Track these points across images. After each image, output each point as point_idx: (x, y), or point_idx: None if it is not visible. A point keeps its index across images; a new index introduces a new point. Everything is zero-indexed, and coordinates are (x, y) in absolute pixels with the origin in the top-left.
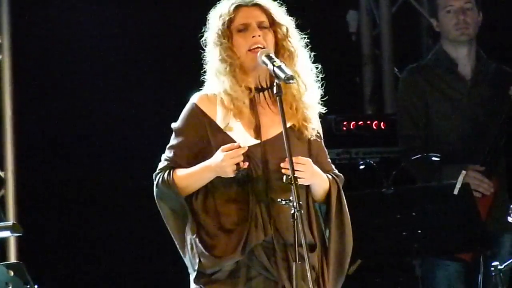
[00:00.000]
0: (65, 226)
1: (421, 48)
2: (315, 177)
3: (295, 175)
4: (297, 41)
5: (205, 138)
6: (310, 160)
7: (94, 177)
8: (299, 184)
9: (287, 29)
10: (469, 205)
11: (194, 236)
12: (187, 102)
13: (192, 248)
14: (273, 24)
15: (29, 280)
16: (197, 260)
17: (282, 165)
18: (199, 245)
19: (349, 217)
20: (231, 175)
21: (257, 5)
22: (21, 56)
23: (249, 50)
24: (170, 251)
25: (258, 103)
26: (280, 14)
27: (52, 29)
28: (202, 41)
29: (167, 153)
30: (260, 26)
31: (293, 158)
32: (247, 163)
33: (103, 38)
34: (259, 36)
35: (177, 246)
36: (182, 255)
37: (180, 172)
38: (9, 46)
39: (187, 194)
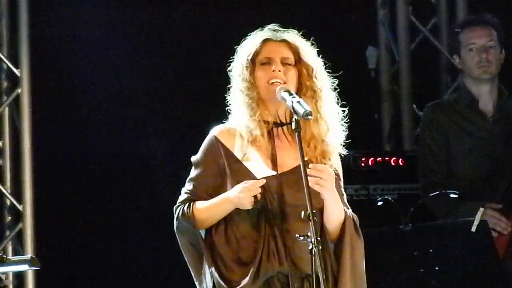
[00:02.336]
0: (84, 259)
1: (440, 85)
2: (334, 193)
3: (319, 183)
4: (323, 83)
5: (224, 169)
6: (327, 167)
7: (113, 210)
8: (316, 220)
9: (312, 69)
10: (487, 243)
11: (211, 269)
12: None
13: (209, 279)
14: (299, 62)
15: None
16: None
17: (309, 172)
18: (216, 276)
19: (363, 256)
20: (249, 207)
21: (285, 41)
22: (40, 89)
23: (268, 84)
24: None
25: (276, 136)
26: (308, 53)
27: (72, 62)
28: (229, 68)
29: (187, 186)
30: (284, 62)
31: (312, 165)
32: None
33: (125, 71)
34: (279, 71)
35: (194, 278)
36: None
37: (199, 205)
38: (28, 79)
39: (207, 227)
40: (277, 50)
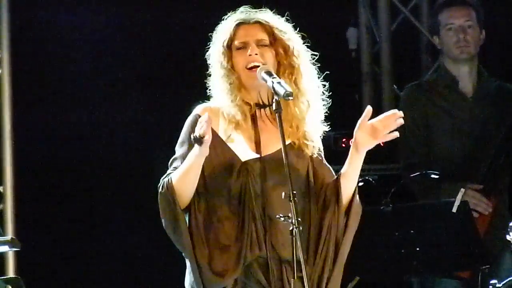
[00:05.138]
0: (64, 241)
1: (420, 66)
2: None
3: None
4: (301, 58)
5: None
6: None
7: (93, 192)
8: (297, 201)
9: (289, 46)
10: (468, 223)
11: (194, 257)
12: (190, 106)
13: (193, 268)
14: (274, 42)
15: None
16: (199, 280)
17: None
18: (200, 264)
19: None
20: (196, 145)
21: (258, 23)
22: (20, 70)
23: (247, 69)
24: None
25: (259, 119)
26: (283, 31)
27: (52, 43)
28: (207, 55)
29: (173, 164)
30: (259, 44)
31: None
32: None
33: (105, 52)
34: (255, 54)
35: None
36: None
37: (175, 173)
38: (9, 60)
39: (187, 200)
40: (251, 33)
